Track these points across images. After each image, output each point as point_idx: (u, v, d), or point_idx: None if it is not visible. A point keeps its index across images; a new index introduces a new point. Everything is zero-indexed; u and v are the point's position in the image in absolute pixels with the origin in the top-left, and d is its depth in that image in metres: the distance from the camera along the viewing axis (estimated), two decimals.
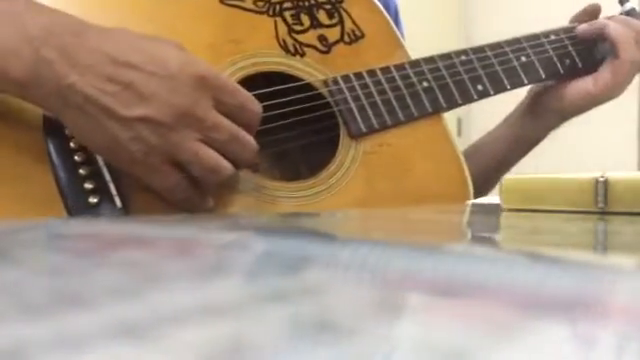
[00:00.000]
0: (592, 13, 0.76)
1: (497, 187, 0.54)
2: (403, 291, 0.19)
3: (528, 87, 0.76)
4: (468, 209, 0.56)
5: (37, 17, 0.45)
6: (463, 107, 0.66)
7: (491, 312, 0.16)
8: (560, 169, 0.46)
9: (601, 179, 0.41)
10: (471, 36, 2.79)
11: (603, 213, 0.41)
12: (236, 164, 0.50)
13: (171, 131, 0.46)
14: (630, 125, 2.44)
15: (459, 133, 2.74)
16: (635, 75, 0.73)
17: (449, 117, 0.66)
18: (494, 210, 0.47)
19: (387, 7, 0.69)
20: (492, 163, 0.78)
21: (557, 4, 0.86)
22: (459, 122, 2.73)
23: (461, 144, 0.73)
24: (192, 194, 0.49)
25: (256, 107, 0.50)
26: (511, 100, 0.79)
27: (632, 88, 0.75)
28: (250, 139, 0.50)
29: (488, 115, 1.02)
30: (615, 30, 0.70)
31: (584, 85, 0.71)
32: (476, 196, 0.66)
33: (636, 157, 2.41)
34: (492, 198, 0.69)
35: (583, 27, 0.73)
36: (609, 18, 0.74)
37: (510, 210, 0.44)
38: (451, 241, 0.36)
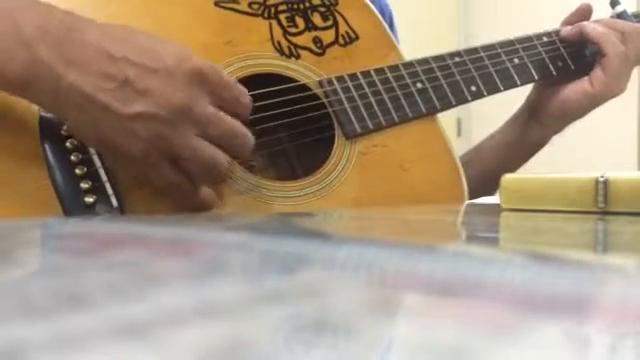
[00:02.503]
0: (583, 14, 0.76)
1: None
2: (401, 291, 0.19)
3: (528, 87, 0.76)
4: (467, 209, 0.56)
5: (31, 14, 0.45)
6: (463, 108, 0.67)
7: (489, 312, 0.16)
8: (560, 169, 0.46)
9: (601, 179, 0.41)
10: (471, 36, 2.80)
11: (603, 213, 0.41)
12: (232, 156, 0.50)
13: (168, 127, 0.46)
14: (630, 125, 2.44)
15: (459, 133, 2.74)
16: (630, 69, 0.73)
17: (449, 117, 0.66)
18: (494, 210, 0.47)
19: (382, 14, 0.69)
20: (495, 167, 0.78)
21: (557, 4, 0.86)
22: (459, 122, 2.73)
23: (461, 144, 0.73)
24: (189, 191, 0.49)
25: (248, 100, 0.51)
26: (511, 101, 0.79)
27: (632, 88, 0.75)
28: (247, 131, 0.50)
29: (488, 116, 1.02)
30: (594, 30, 0.71)
31: (582, 86, 0.71)
32: (476, 199, 0.66)
33: (636, 157, 2.41)
34: (492, 198, 0.69)
35: (566, 30, 0.73)
36: (595, 22, 0.74)
37: (509, 210, 0.44)
38: (449, 241, 0.36)
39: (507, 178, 0.45)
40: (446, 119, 0.66)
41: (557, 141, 0.78)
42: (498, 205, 0.45)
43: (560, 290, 0.18)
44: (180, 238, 0.33)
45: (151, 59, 0.46)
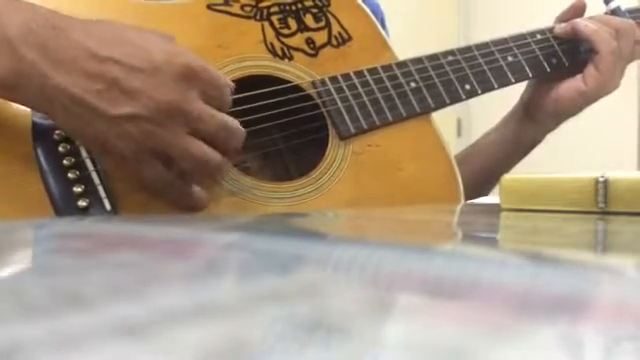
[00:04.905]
0: (577, 10, 0.76)
1: (497, 187, 0.54)
2: (397, 291, 0.19)
3: (524, 85, 0.76)
4: (467, 209, 0.56)
5: (14, 15, 0.44)
6: (463, 108, 0.67)
7: (487, 312, 0.16)
8: (560, 169, 0.46)
9: (601, 179, 0.41)
10: (470, 37, 2.79)
11: (603, 213, 0.41)
12: (225, 152, 0.49)
13: (158, 127, 0.46)
14: (630, 125, 2.43)
15: (459, 133, 2.74)
16: (624, 66, 0.73)
17: (449, 117, 0.66)
18: (493, 210, 0.47)
19: (374, 14, 0.69)
20: (490, 166, 0.78)
21: (556, 4, 0.86)
22: (459, 122, 2.72)
23: (461, 144, 0.73)
24: (182, 190, 0.49)
25: (229, 99, 0.50)
26: (511, 101, 0.79)
27: (632, 88, 0.75)
28: (237, 125, 0.50)
29: (488, 115, 1.02)
30: (586, 27, 0.71)
31: (576, 84, 0.71)
32: (474, 198, 0.66)
33: (636, 157, 2.41)
34: (492, 198, 0.69)
35: (559, 27, 0.73)
36: (588, 18, 0.74)
37: (509, 210, 0.44)
38: (447, 241, 0.36)
39: (507, 178, 0.45)
40: (446, 119, 0.66)
41: (557, 141, 0.78)
42: (498, 205, 0.45)
43: (559, 291, 0.18)
44: (177, 238, 0.33)
45: (138, 58, 0.46)
